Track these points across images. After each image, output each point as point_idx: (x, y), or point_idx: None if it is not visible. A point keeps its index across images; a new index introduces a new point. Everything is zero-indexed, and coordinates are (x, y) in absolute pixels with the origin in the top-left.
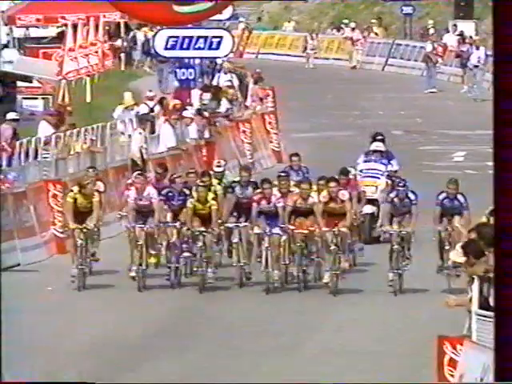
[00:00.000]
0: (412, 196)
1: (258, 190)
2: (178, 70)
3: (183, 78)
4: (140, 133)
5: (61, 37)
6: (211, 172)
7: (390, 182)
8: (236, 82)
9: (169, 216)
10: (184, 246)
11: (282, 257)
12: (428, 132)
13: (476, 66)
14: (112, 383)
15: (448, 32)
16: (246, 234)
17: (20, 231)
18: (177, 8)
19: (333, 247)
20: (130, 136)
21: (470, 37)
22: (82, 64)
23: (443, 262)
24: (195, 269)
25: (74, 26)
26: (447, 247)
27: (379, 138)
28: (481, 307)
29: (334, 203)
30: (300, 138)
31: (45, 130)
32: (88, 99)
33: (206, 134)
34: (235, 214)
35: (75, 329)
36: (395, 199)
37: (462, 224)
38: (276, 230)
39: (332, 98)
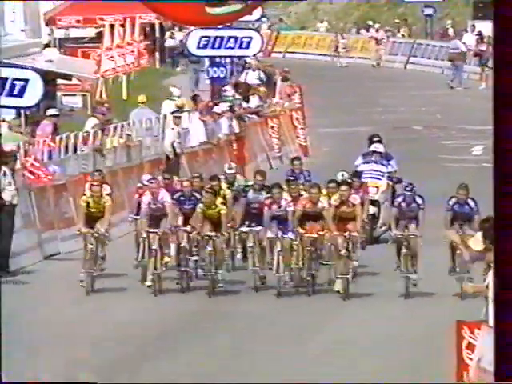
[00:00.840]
0: (419, 200)
1: (268, 195)
2: (209, 69)
3: (215, 75)
4: (172, 128)
5: (99, 37)
6: (221, 176)
7: (390, 182)
8: (264, 80)
9: (180, 220)
10: (194, 249)
11: (293, 260)
12: (448, 127)
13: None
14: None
15: (467, 32)
16: (260, 238)
17: (60, 222)
18: (209, 10)
19: (343, 251)
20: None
21: (489, 36)
22: (118, 63)
23: (454, 264)
24: (204, 273)
25: (112, 27)
26: (458, 251)
27: (377, 139)
28: None
29: (345, 207)
30: (325, 132)
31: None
32: (124, 96)
33: (237, 129)
34: (248, 218)
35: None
36: (402, 203)
37: (473, 228)
38: (288, 234)
39: (356, 95)
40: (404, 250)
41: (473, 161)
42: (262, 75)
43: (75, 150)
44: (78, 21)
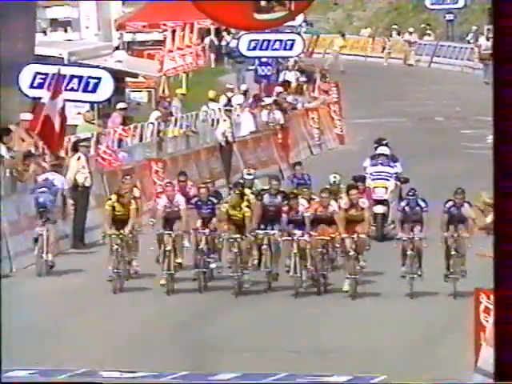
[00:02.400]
0: (422, 204)
1: (286, 202)
2: (258, 68)
3: (263, 73)
4: (224, 120)
5: (162, 40)
6: (241, 181)
7: (398, 183)
8: (303, 78)
9: (198, 223)
10: (210, 252)
11: (308, 262)
12: (466, 118)
13: None
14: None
15: (483, 35)
16: (274, 240)
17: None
18: (257, 16)
19: (352, 253)
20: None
21: None
22: (179, 63)
23: (449, 269)
24: (231, 274)
25: (173, 32)
26: (453, 253)
27: (384, 142)
28: None
29: (354, 210)
30: (360, 123)
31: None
32: (184, 92)
33: (282, 121)
34: (263, 221)
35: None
36: (406, 208)
37: (468, 231)
38: (304, 237)
39: (387, 90)
40: (409, 252)
41: (488, 148)
42: (298, 74)
43: (141, 139)
44: (144, 26)
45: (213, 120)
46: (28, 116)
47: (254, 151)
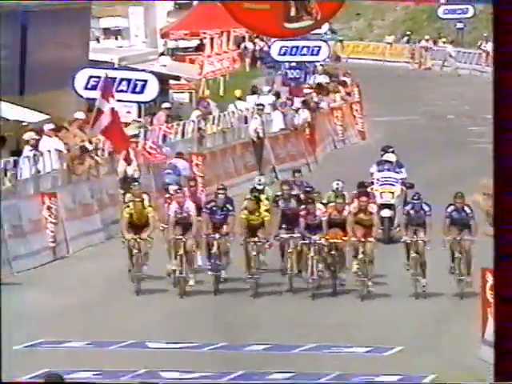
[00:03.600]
0: (426, 208)
1: (303, 207)
2: (288, 71)
3: (291, 76)
4: (256, 118)
5: (201, 47)
6: (257, 186)
7: (404, 188)
8: (327, 80)
9: (210, 228)
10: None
11: (325, 264)
12: (474, 116)
13: None
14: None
15: (490, 41)
16: (296, 243)
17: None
18: (287, 25)
19: (361, 256)
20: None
21: None
22: (217, 66)
23: (454, 265)
24: (249, 276)
25: (212, 39)
26: (457, 255)
27: (390, 150)
28: None
29: (363, 214)
30: (378, 121)
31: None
32: (221, 93)
33: (309, 119)
34: (283, 225)
35: None
36: (411, 211)
37: (470, 233)
38: (321, 241)
39: (403, 91)
40: (413, 254)
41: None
42: (327, 78)
43: (183, 135)
44: (186, 34)
45: (245, 117)
46: (81, 115)
47: (284, 146)
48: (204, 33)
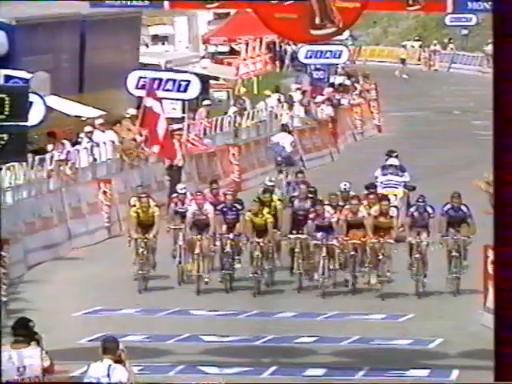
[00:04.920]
0: (430, 210)
1: (312, 209)
2: (313, 72)
3: (316, 77)
4: (287, 113)
5: (238, 51)
6: (267, 182)
7: (406, 191)
8: (348, 81)
9: (224, 228)
10: (236, 255)
11: (336, 264)
12: (477, 111)
13: None
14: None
15: (489, 46)
16: (305, 244)
17: (210, 177)
18: (313, 32)
19: (381, 257)
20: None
21: None
22: (251, 68)
23: (451, 266)
24: (251, 275)
25: (246, 44)
26: (454, 254)
27: (394, 154)
28: None
29: (383, 218)
30: (392, 116)
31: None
32: (255, 91)
33: (332, 114)
34: (294, 225)
35: None
36: (415, 213)
37: (467, 231)
38: (333, 241)
39: (414, 89)
40: (416, 255)
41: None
42: (346, 79)
43: (221, 128)
44: (224, 40)
45: (275, 114)
46: (133, 111)
47: (310, 138)
48: (240, 39)
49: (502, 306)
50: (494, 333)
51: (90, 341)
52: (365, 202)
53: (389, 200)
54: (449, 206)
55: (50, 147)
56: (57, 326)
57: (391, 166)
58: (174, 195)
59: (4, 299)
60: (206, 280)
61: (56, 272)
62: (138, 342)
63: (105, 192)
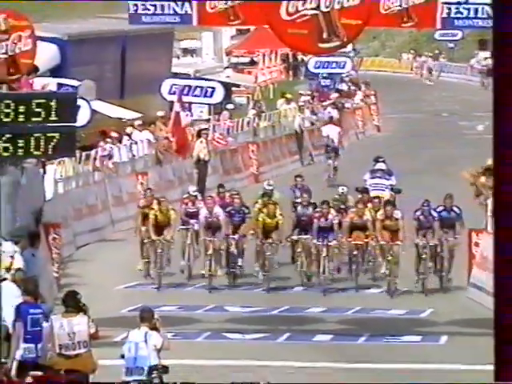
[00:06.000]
0: (434, 213)
1: (318, 209)
2: (321, 80)
3: (324, 84)
4: (299, 115)
5: (256, 62)
6: (266, 187)
7: (392, 193)
8: (352, 87)
9: (230, 229)
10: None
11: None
12: (463, 114)
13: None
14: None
15: (473, 58)
16: (307, 245)
17: (233, 170)
18: (321, 45)
19: (390, 257)
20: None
21: (485, 58)
22: (267, 77)
23: (437, 267)
24: (264, 273)
25: (264, 56)
26: (442, 254)
27: (381, 159)
28: None
29: (388, 221)
30: (390, 117)
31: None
32: (271, 97)
33: (337, 116)
34: (298, 229)
35: None
36: (421, 217)
37: (460, 231)
38: (331, 242)
39: (409, 94)
40: (423, 255)
41: (477, 134)
42: (350, 86)
43: (242, 128)
44: (244, 52)
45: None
46: (161, 113)
47: (319, 136)
48: (258, 51)
49: (502, 307)
50: (494, 333)
51: (129, 311)
52: (369, 205)
53: (393, 205)
54: (441, 208)
55: (101, 143)
56: (101, 298)
57: (379, 170)
58: (186, 196)
59: (56, 275)
60: (219, 274)
61: (100, 252)
62: (171, 312)
63: (142, 183)
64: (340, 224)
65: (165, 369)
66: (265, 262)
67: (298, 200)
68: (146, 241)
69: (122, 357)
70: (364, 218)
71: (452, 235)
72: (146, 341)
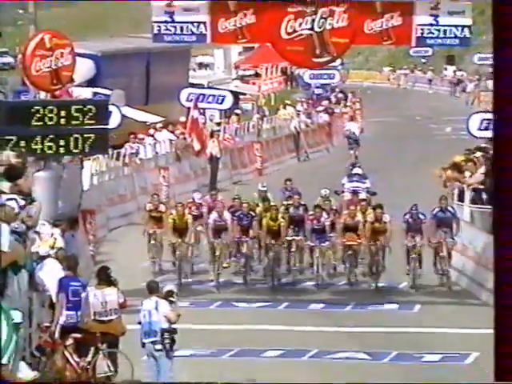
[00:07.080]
0: (422, 216)
1: (311, 213)
2: (315, 89)
3: (317, 93)
4: (296, 119)
5: (260, 74)
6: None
7: (368, 195)
8: (340, 95)
9: (239, 232)
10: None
11: (330, 262)
12: (434, 118)
13: (461, 87)
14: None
15: (446, 69)
16: (301, 245)
17: (240, 165)
18: (314, 59)
19: (377, 257)
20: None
21: (460, 69)
22: (269, 87)
23: (436, 263)
24: (269, 272)
25: (266, 69)
26: (442, 254)
27: (358, 165)
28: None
29: (377, 223)
30: (371, 121)
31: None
32: (272, 103)
33: (328, 119)
34: (291, 229)
35: None
36: (409, 220)
37: (455, 234)
38: (324, 243)
39: (388, 102)
40: (413, 255)
41: (446, 135)
42: (339, 94)
43: (247, 130)
44: (250, 66)
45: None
46: (183, 118)
47: (312, 137)
48: (261, 65)
49: (502, 306)
50: (494, 332)
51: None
52: (358, 208)
53: (382, 208)
54: (437, 209)
55: (129, 143)
56: (129, 273)
57: (356, 174)
58: (190, 201)
59: (92, 253)
60: (224, 265)
61: (129, 234)
62: (186, 285)
63: (164, 176)
64: (333, 225)
65: (174, 331)
66: (270, 262)
67: (290, 202)
68: (166, 244)
69: (139, 323)
70: (355, 219)
71: (450, 235)
72: (156, 308)
